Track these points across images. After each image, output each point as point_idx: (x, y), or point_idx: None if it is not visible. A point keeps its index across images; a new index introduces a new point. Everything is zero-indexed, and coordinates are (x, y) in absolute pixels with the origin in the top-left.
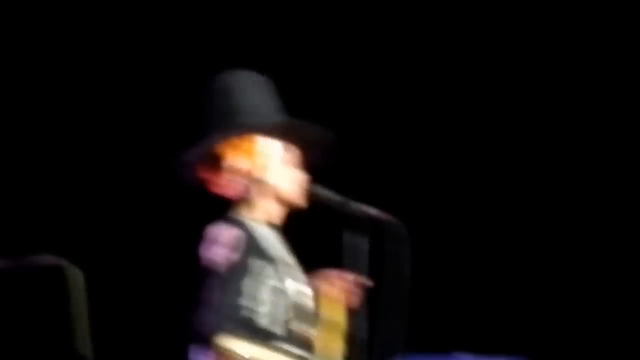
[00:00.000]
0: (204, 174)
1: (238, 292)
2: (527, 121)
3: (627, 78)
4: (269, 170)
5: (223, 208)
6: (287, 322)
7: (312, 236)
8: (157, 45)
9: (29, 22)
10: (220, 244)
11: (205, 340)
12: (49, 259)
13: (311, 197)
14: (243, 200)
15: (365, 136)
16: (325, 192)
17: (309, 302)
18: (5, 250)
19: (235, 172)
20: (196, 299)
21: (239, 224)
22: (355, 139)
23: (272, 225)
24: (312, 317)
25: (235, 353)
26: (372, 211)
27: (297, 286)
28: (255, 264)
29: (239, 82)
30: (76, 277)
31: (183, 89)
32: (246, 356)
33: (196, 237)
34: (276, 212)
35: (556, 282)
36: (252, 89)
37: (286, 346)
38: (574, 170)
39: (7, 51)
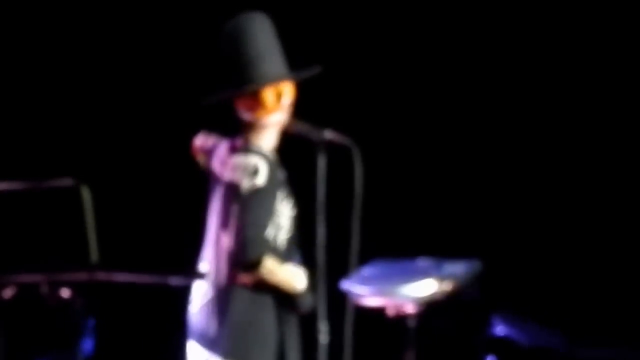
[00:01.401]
0: (242, 102)
1: (266, 217)
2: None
3: (627, 78)
4: (285, 106)
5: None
6: (293, 242)
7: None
8: None
9: None
10: (246, 171)
11: (242, 260)
12: (66, 181)
13: (287, 125)
14: (260, 128)
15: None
16: (297, 121)
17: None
18: (26, 175)
19: (277, 105)
20: (227, 222)
21: (260, 154)
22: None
23: (274, 151)
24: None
25: (272, 275)
26: (333, 135)
27: (293, 209)
28: (277, 191)
29: (266, 25)
30: (87, 193)
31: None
32: (280, 279)
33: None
34: (277, 140)
35: (503, 193)
36: (274, 32)
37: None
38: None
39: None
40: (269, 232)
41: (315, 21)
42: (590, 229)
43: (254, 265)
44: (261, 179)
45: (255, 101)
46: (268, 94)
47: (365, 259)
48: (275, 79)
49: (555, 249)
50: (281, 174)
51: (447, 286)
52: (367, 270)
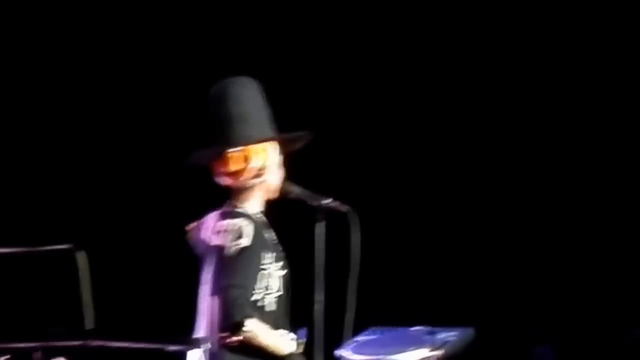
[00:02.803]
0: (215, 165)
1: (250, 278)
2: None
3: (627, 78)
4: (270, 170)
5: (217, 198)
6: (283, 303)
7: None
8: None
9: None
10: (231, 233)
11: (227, 322)
12: (64, 246)
13: (285, 191)
14: (242, 192)
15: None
16: (293, 187)
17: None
18: (24, 240)
19: (245, 168)
20: (214, 284)
21: (245, 216)
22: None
23: (262, 215)
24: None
25: (257, 337)
26: (331, 202)
27: (285, 270)
28: (263, 252)
29: (247, 89)
30: (83, 258)
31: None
32: (265, 341)
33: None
34: (265, 204)
35: (495, 261)
36: (257, 96)
37: (287, 329)
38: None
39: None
40: (256, 293)
41: (316, 91)
42: (577, 300)
43: (237, 326)
44: (245, 241)
45: (225, 164)
46: (234, 158)
47: (361, 325)
48: (238, 143)
49: (543, 316)
50: (269, 235)
51: (440, 354)
52: (362, 337)
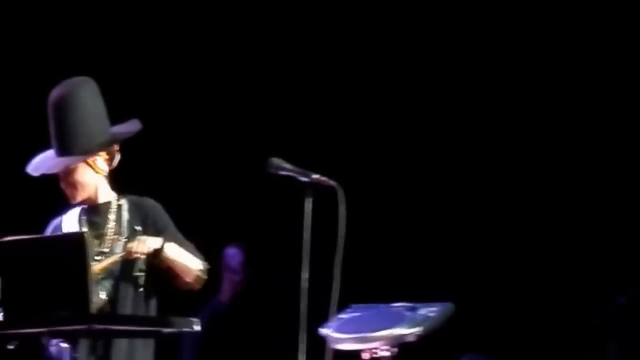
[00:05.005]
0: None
1: None
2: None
3: (627, 78)
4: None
5: None
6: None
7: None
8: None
9: None
10: None
11: None
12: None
13: (274, 167)
14: None
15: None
16: (284, 164)
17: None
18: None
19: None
20: None
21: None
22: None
23: (93, 207)
24: None
25: None
26: (320, 178)
27: None
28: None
29: (81, 96)
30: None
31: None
32: None
33: None
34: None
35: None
36: (90, 104)
37: None
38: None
39: None
40: None
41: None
42: (553, 275)
43: None
44: None
45: None
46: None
47: (344, 303)
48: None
49: (523, 294)
50: (67, 226)
51: (420, 329)
52: (344, 315)
